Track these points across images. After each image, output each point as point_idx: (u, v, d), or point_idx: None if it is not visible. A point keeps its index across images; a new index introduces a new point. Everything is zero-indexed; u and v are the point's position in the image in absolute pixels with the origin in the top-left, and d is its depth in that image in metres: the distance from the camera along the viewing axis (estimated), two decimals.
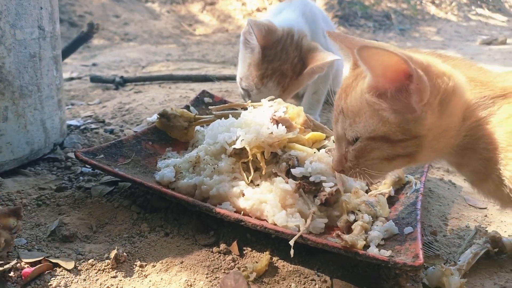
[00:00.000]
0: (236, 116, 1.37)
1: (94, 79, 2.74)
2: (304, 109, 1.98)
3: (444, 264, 1.08)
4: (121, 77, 2.70)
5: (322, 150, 1.26)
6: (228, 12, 6.19)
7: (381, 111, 0.81)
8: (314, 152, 1.23)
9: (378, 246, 1.03)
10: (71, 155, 1.51)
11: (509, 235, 1.23)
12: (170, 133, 1.50)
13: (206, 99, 1.80)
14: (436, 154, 0.89)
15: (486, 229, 1.21)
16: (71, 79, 3.06)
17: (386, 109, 0.81)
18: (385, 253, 0.96)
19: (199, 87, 2.60)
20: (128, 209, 1.20)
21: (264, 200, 1.13)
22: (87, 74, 3.14)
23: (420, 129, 0.81)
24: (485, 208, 1.43)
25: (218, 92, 2.47)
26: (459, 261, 1.08)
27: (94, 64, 3.67)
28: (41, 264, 0.95)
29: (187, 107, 1.68)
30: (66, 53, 2.33)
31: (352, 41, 0.93)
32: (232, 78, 2.82)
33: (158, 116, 1.49)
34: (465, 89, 0.83)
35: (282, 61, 1.63)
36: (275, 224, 1.07)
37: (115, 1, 5.70)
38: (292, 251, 0.96)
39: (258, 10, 6.26)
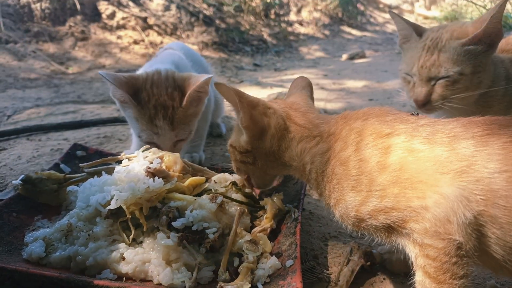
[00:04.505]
0: (110, 172, 1.31)
1: None
2: (187, 148, 1.99)
3: (327, 286, 1.16)
4: None
5: (204, 196, 1.27)
6: (103, 47, 5.94)
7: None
8: (195, 199, 1.23)
9: (264, 284, 1.06)
10: None
11: (379, 244, 1.37)
12: (38, 198, 1.37)
13: (79, 153, 1.69)
14: (282, 169, 1.19)
15: (359, 243, 1.33)
16: None
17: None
18: None
19: (73, 135, 2.43)
20: None
21: (147, 260, 1.09)
22: None
23: (246, 146, 1.16)
24: None
25: (96, 138, 2.33)
26: (339, 281, 1.16)
27: None
28: None
29: (56, 165, 1.56)
30: None
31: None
32: (110, 121, 2.70)
33: (21, 182, 1.35)
34: (284, 129, 1.12)
35: (157, 95, 1.56)
36: (160, 285, 1.04)
37: None
38: None
39: (135, 42, 6.13)
